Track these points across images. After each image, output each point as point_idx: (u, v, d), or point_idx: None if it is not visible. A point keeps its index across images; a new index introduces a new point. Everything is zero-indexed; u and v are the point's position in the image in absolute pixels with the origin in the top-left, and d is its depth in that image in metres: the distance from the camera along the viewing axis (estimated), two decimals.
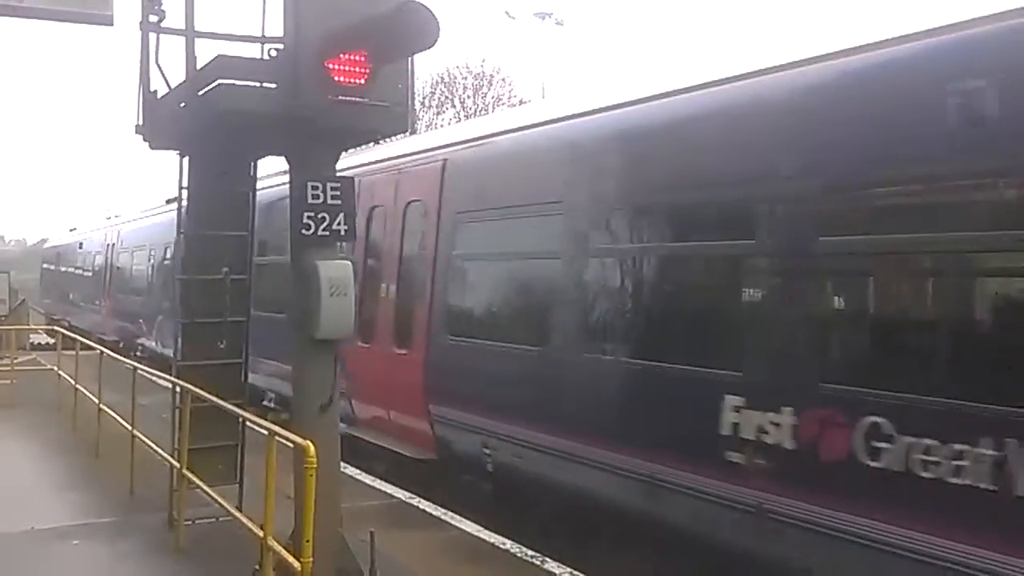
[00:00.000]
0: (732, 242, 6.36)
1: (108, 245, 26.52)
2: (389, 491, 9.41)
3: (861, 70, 5.60)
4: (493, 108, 53.68)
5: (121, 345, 21.39)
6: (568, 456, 7.41)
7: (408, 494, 9.22)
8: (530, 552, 7.35)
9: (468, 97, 53.13)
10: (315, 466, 5.06)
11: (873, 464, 5.12)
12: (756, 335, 6.08)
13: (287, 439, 5.52)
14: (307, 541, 5.12)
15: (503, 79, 53.58)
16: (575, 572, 6.96)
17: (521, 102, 53.68)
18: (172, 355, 8.11)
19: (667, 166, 6.98)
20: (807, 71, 5.97)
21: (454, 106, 53.15)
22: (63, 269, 33.97)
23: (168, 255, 18.76)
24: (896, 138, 5.30)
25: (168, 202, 18.99)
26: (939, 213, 5.20)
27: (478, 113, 53.44)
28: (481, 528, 8.00)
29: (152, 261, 21.15)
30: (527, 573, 6.96)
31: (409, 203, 10.17)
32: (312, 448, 5.09)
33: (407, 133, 7.88)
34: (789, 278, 5.94)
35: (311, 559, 5.15)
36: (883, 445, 5.08)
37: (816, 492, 5.48)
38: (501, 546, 7.56)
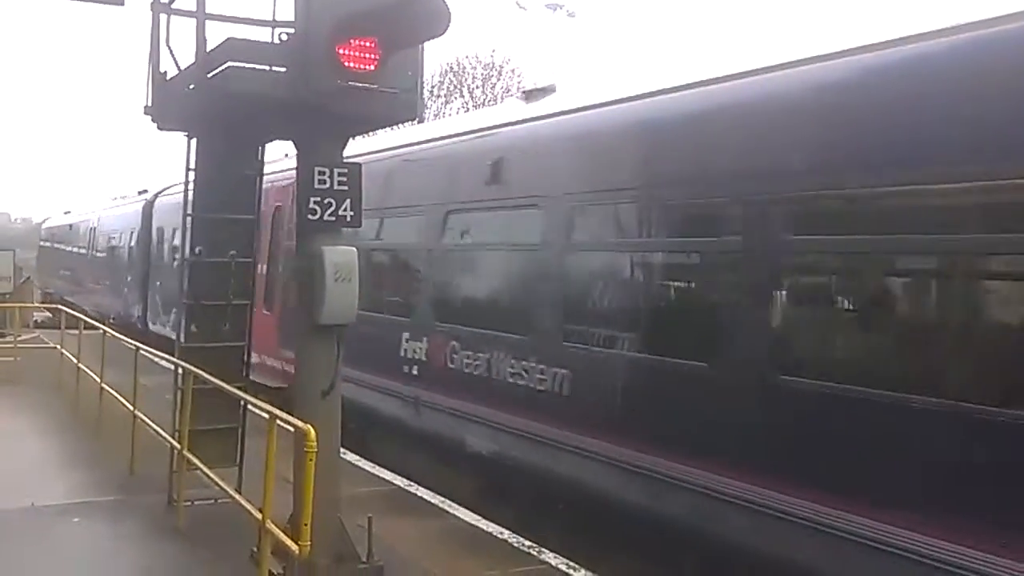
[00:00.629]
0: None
1: (90, 228, 29.42)
2: (388, 477, 9.44)
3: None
4: (502, 98, 53.63)
5: (97, 313, 23.35)
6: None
7: (406, 481, 9.25)
8: (527, 542, 7.37)
9: (477, 87, 53.02)
10: (315, 450, 5.07)
11: (456, 369, 8.83)
12: (414, 297, 10.19)
13: (288, 423, 5.53)
14: (305, 525, 5.13)
15: (512, 70, 53.42)
16: (570, 563, 6.98)
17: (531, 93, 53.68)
18: (175, 336, 8.11)
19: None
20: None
21: (463, 96, 53.05)
22: (56, 247, 35.74)
23: (132, 240, 23.13)
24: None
25: (140, 193, 24.52)
26: None
27: (487, 103, 53.38)
28: (479, 517, 8.02)
29: (119, 243, 24.72)
30: (523, 562, 6.98)
31: (278, 207, 13.08)
32: (312, 432, 5.10)
33: (416, 120, 7.88)
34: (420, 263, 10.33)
35: (309, 543, 5.17)
36: (458, 358, 8.87)
37: (438, 388, 9.23)
38: (498, 535, 7.58)
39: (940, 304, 5.37)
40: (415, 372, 9.81)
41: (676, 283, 7.32)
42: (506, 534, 7.59)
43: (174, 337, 8.78)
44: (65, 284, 32.92)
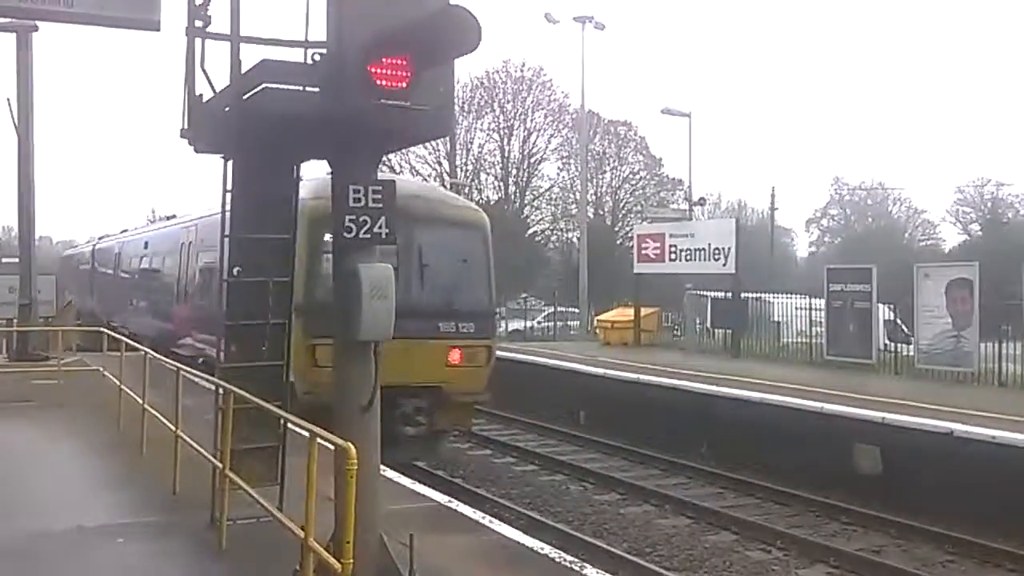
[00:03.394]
0: None
1: (114, 254, 30.44)
2: (428, 494, 9.45)
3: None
4: (532, 112, 53.82)
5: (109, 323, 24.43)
6: None
7: (447, 497, 9.25)
8: (568, 557, 7.34)
9: (508, 101, 53.27)
10: (355, 467, 5.07)
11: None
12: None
13: (328, 440, 5.54)
14: (347, 543, 5.14)
15: (543, 83, 53.55)
16: None
17: (561, 106, 53.79)
18: (216, 357, 8.17)
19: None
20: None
21: (493, 111, 53.36)
22: (81, 268, 36.85)
23: (144, 264, 24.72)
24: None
25: (168, 218, 26.27)
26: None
27: (518, 118, 53.59)
28: (520, 532, 7.99)
29: (135, 268, 26.18)
30: None
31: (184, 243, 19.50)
32: (353, 450, 5.11)
33: (449, 136, 7.90)
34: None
35: (351, 561, 5.17)
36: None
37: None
38: (540, 551, 7.55)
39: None
40: None
41: None
42: (547, 549, 7.56)
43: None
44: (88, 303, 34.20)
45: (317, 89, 5.88)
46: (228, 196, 7.59)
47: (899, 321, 23.21)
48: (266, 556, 7.19)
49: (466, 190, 49.55)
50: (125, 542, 7.77)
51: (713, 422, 17.25)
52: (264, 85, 5.90)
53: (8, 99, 21.04)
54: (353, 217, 6.22)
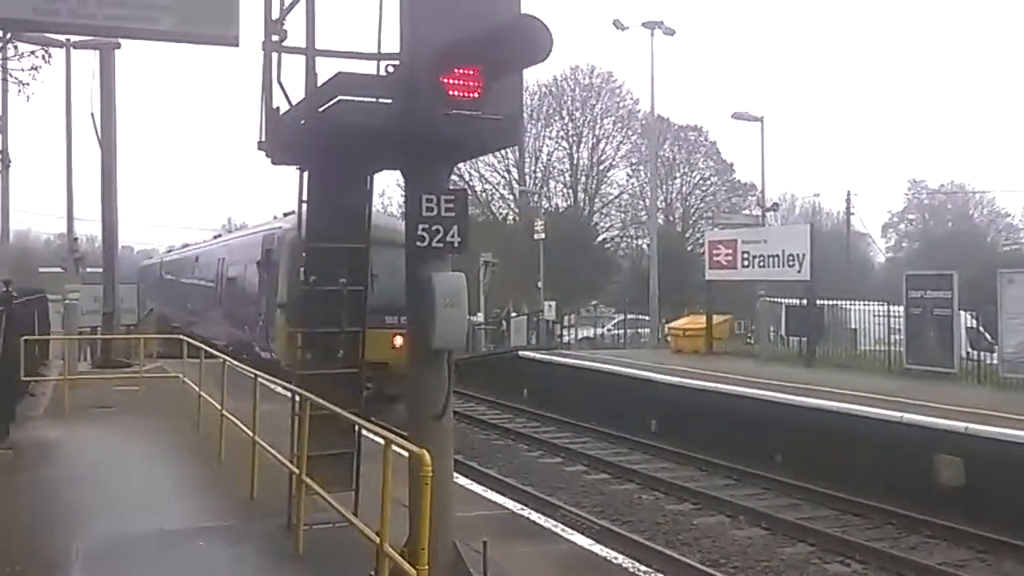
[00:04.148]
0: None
1: (176, 266, 35.81)
2: (499, 501, 9.47)
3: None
4: (601, 119, 53.70)
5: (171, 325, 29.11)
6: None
7: (519, 505, 9.27)
8: (643, 568, 7.28)
9: (576, 109, 53.23)
10: (431, 475, 5.11)
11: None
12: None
13: (403, 447, 5.59)
14: (423, 549, 5.18)
15: (612, 89, 53.36)
16: None
17: (630, 113, 53.54)
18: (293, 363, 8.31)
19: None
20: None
21: (562, 118, 53.34)
22: (154, 277, 40.44)
23: (195, 275, 29.78)
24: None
25: (215, 237, 33.49)
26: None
27: (586, 125, 53.52)
28: (594, 541, 7.96)
29: (189, 278, 31.22)
30: None
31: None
32: (427, 457, 5.15)
33: (519, 145, 7.93)
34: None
35: (427, 567, 5.21)
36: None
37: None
38: (614, 560, 7.51)
39: None
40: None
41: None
42: (621, 559, 7.52)
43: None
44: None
45: (391, 101, 5.94)
46: (303, 207, 7.74)
47: (982, 329, 22.52)
48: (341, 561, 7.30)
49: (535, 197, 49.66)
50: (205, 545, 7.95)
51: (788, 432, 16.94)
52: (339, 98, 6.00)
53: (92, 114, 21.76)
54: (426, 226, 6.28)
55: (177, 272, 33.84)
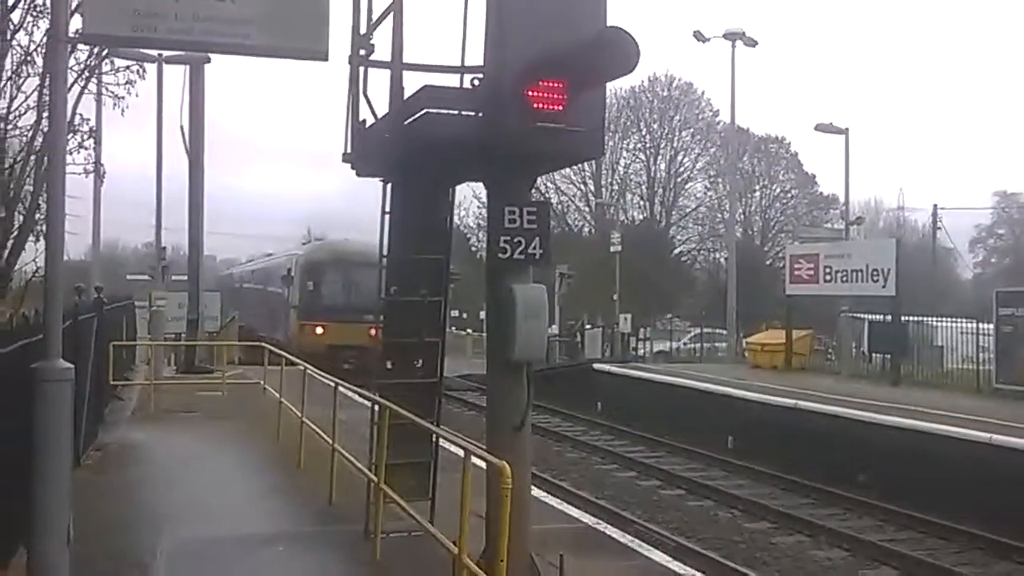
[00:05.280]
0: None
1: (244, 276, 43.04)
2: (575, 515, 9.42)
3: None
4: (679, 131, 53.30)
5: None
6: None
7: (595, 519, 9.20)
8: None
9: (655, 121, 52.93)
10: (510, 487, 5.11)
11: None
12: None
13: (483, 459, 5.60)
14: (501, 561, 5.18)
15: (691, 101, 52.91)
16: None
17: (709, 124, 53.01)
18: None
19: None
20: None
21: (639, 130, 53.10)
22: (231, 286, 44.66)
23: (253, 285, 38.92)
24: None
25: (266, 256, 40.99)
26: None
27: (664, 137, 53.18)
28: (671, 558, 7.85)
29: (249, 287, 39.52)
30: None
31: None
32: (508, 469, 5.14)
33: (600, 157, 7.91)
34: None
35: None
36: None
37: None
38: None
39: None
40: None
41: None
42: None
43: None
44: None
45: (476, 114, 5.98)
46: (386, 218, 7.83)
47: None
48: (417, 569, 7.35)
49: (611, 210, 49.47)
50: (285, 550, 8.07)
51: (872, 451, 16.51)
52: (425, 110, 6.06)
53: (181, 126, 22.38)
54: (508, 238, 6.30)
55: (241, 281, 42.44)
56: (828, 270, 25.29)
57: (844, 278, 24.78)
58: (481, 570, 5.60)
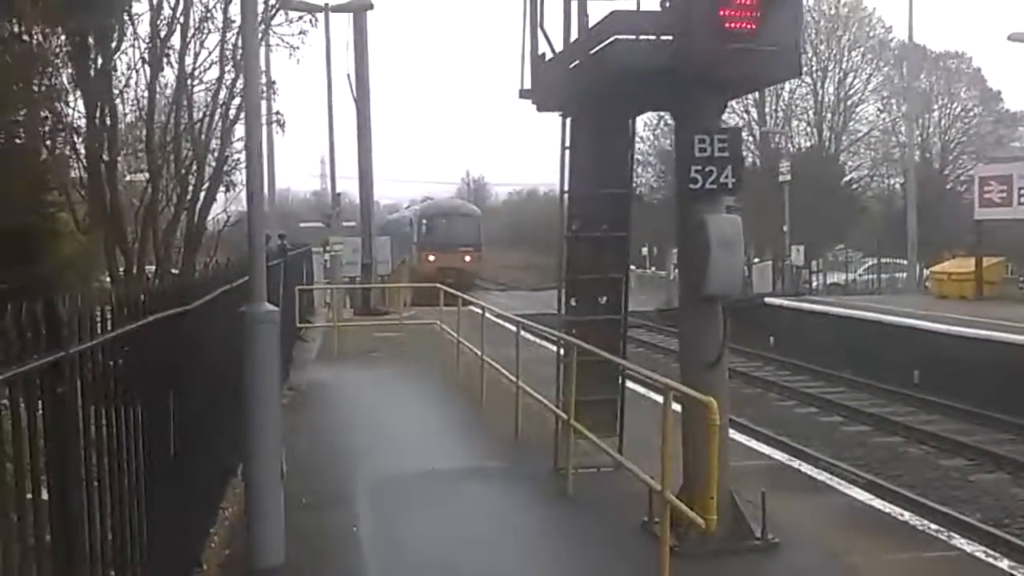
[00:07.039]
0: None
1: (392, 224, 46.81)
2: (767, 452, 9.18)
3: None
4: (849, 52, 50.53)
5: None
6: None
7: (787, 456, 8.94)
8: (933, 525, 6.81)
9: (821, 42, 50.29)
10: (718, 424, 4.96)
11: None
12: None
13: (688, 396, 5.46)
14: (711, 499, 5.06)
15: (861, 19, 49.99)
16: (988, 550, 6.34)
17: (881, 43, 50.00)
18: (557, 311, 8.38)
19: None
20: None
21: (805, 52, 50.52)
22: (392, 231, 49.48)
23: (398, 230, 41.48)
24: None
25: (407, 207, 50.15)
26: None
27: (832, 58, 50.57)
28: (873, 496, 7.53)
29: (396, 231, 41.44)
30: (933, 547, 6.43)
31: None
32: (715, 405, 5.00)
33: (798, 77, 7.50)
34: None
35: (715, 517, 5.08)
36: None
37: None
38: (898, 517, 7.06)
39: None
40: None
41: None
42: (907, 515, 7.07)
43: None
44: None
45: (667, 38, 5.74)
46: (566, 153, 7.71)
47: None
48: (610, 504, 7.32)
49: (776, 138, 47.63)
50: (476, 486, 8.21)
51: None
52: (615, 37, 5.86)
53: (348, 74, 22.87)
54: (699, 167, 6.08)
55: (395, 227, 46.80)
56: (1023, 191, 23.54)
57: None
58: (686, 506, 5.50)
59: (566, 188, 7.78)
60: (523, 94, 7.63)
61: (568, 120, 7.52)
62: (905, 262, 33.57)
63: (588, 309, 8.03)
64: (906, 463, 13.81)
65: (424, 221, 40.99)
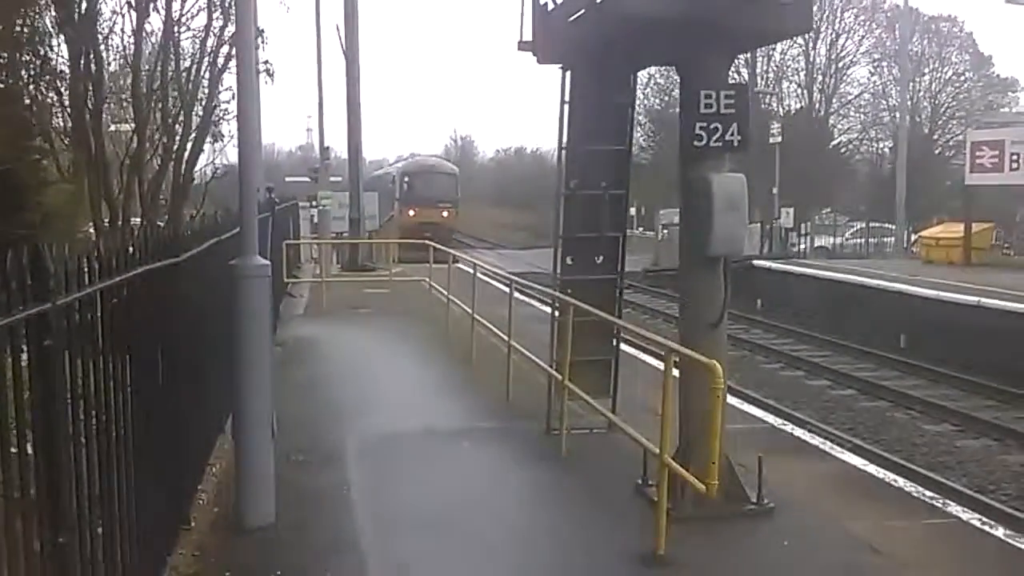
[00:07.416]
0: None
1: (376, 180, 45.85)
2: (758, 415, 9.12)
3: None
4: (841, 13, 50.12)
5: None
6: None
7: (780, 420, 8.88)
8: (928, 492, 6.77)
9: (814, 3, 49.80)
10: (722, 387, 4.86)
11: None
12: None
13: (691, 358, 5.35)
14: (713, 463, 4.96)
15: None
16: (984, 518, 6.31)
17: (874, 3, 49.61)
18: (552, 269, 8.23)
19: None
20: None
21: (822, 9, 49.98)
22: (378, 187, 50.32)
23: (383, 186, 39.65)
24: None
25: (393, 163, 53.48)
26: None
27: (825, 20, 50.12)
28: (867, 462, 7.49)
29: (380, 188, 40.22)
30: (929, 514, 6.39)
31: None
32: (719, 368, 4.89)
33: (808, 31, 7.33)
34: None
35: (716, 482, 5.00)
36: None
37: None
38: (893, 483, 7.02)
39: None
40: None
41: None
42: (901, 482, 7.03)
43: None
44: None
45: None
46: (565, 107, 7.53)
47: None
48: (604, 465, 7.26)
49: (766, 99, 47.32)
50: (470, 446, 8.12)
51: None
52: None
53: (337, 25, 22.46)
54: (704, 124, 5.93)
55: (379, 184, 47.72)
56: (1015, 157, 23.47)
57: None
58: (683, 469, 5.42)
59: (564, 144, 7.61)
60: (522, 46, 7.41)
61: (568, 74, 7.33)
62: (892, 226, 33.57)
63: (584, 268, 7.90)
64: (893, 427, 13.84)
65: (406, 178, 42.87)
